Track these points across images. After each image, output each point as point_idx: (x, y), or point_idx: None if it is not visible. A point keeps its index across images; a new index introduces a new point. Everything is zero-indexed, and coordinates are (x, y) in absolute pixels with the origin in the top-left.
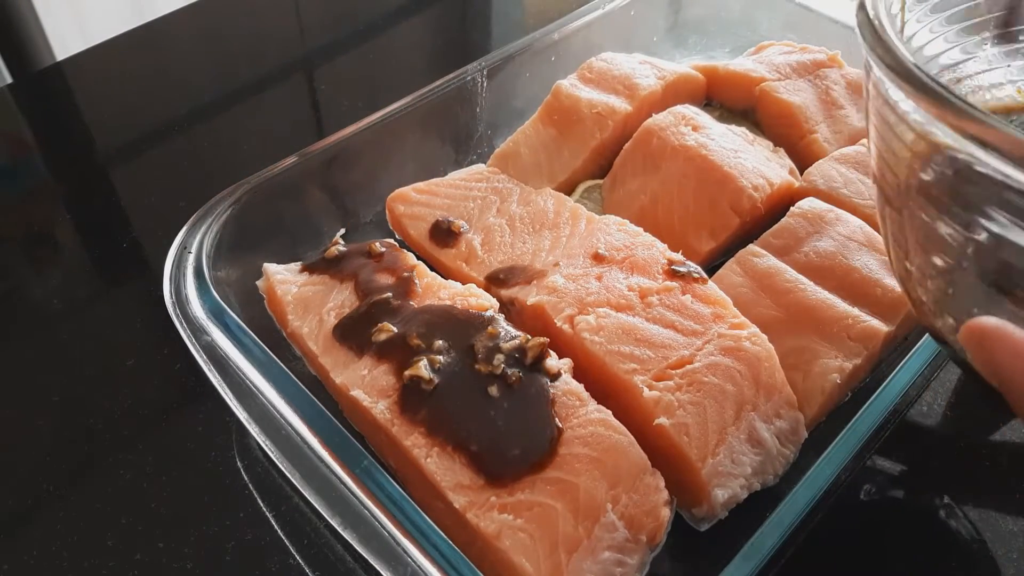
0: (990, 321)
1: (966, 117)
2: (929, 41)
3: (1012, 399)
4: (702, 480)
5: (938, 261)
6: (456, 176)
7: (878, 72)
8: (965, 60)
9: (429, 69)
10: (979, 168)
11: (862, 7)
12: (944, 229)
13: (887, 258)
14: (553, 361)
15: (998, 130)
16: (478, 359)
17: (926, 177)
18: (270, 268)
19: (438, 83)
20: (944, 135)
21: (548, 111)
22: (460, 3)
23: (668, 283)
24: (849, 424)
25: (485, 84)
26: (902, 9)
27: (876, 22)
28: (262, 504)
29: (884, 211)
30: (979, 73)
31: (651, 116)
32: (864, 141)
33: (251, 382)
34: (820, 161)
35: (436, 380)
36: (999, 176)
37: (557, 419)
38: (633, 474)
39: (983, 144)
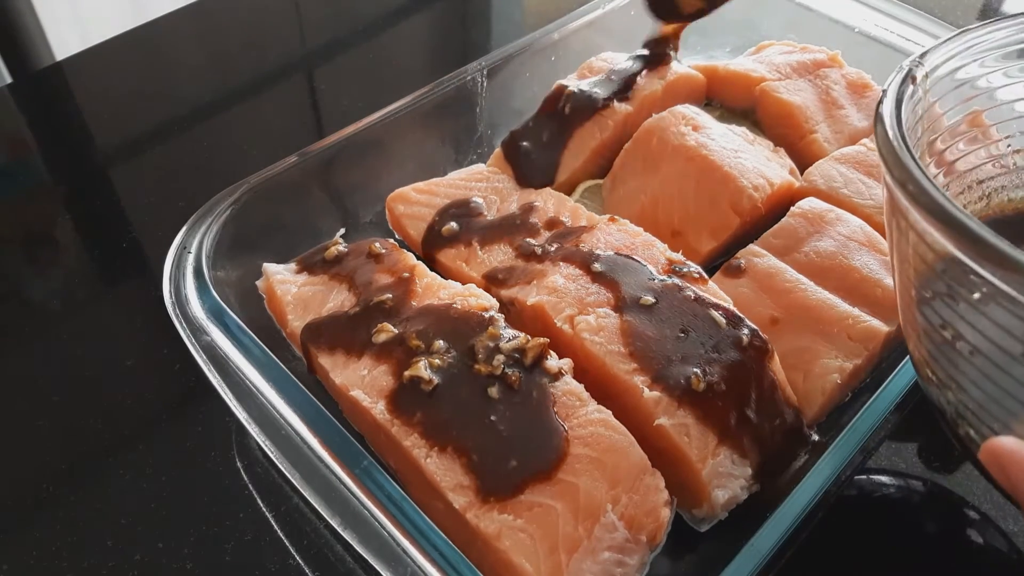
0: (1008, 443)
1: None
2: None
3: None
4: (702, 481)
5: (957, 376)
6: (456, 176)
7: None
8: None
9: (429, 69)
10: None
11: (880, 122)
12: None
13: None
14: (553, 361)
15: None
16: (478, 360)
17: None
18: (270, 268)
19: (438, 83)
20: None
21: None
22: (460, 3)
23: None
24: (849, 424)
25: (485, 84)
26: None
27: (896, 143)
28: (262, 504)
29: (912, 313)
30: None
31: (651, 116)
32: (865, 141)
33: (251, 382)
34: (820, 161)
35: (436, 380)
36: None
37: (560, 421)
38: (633, 474)
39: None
